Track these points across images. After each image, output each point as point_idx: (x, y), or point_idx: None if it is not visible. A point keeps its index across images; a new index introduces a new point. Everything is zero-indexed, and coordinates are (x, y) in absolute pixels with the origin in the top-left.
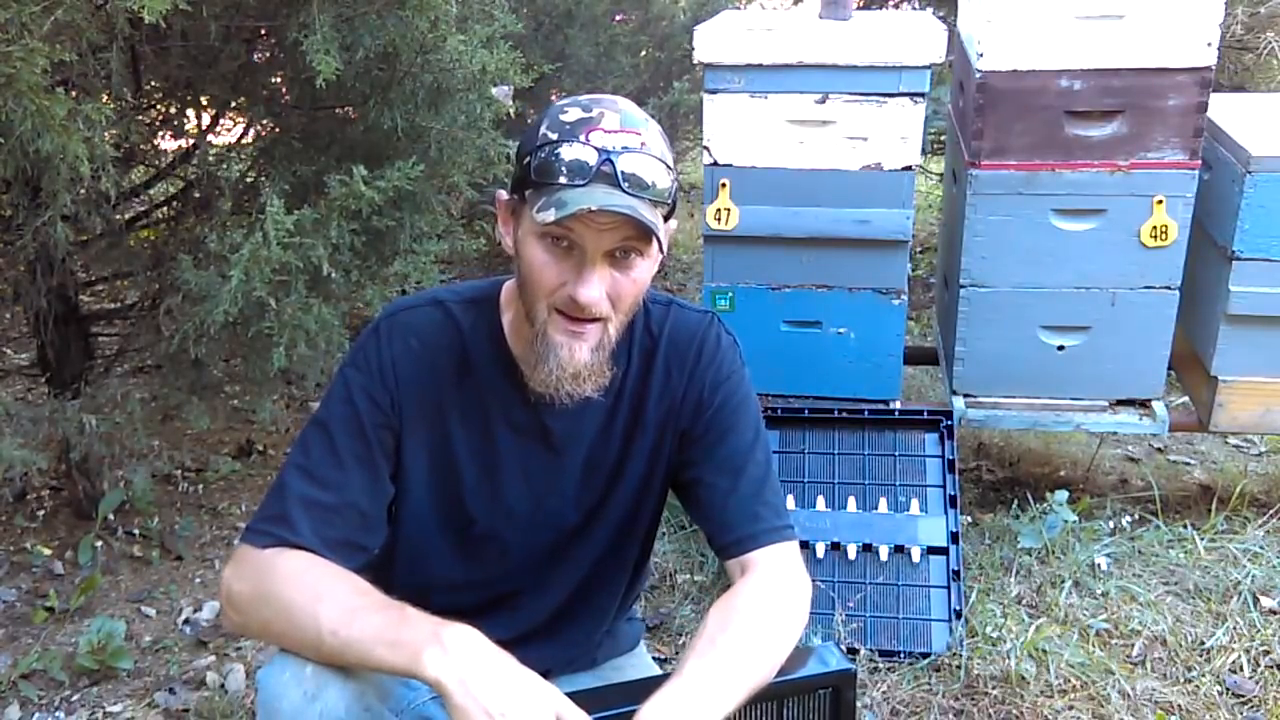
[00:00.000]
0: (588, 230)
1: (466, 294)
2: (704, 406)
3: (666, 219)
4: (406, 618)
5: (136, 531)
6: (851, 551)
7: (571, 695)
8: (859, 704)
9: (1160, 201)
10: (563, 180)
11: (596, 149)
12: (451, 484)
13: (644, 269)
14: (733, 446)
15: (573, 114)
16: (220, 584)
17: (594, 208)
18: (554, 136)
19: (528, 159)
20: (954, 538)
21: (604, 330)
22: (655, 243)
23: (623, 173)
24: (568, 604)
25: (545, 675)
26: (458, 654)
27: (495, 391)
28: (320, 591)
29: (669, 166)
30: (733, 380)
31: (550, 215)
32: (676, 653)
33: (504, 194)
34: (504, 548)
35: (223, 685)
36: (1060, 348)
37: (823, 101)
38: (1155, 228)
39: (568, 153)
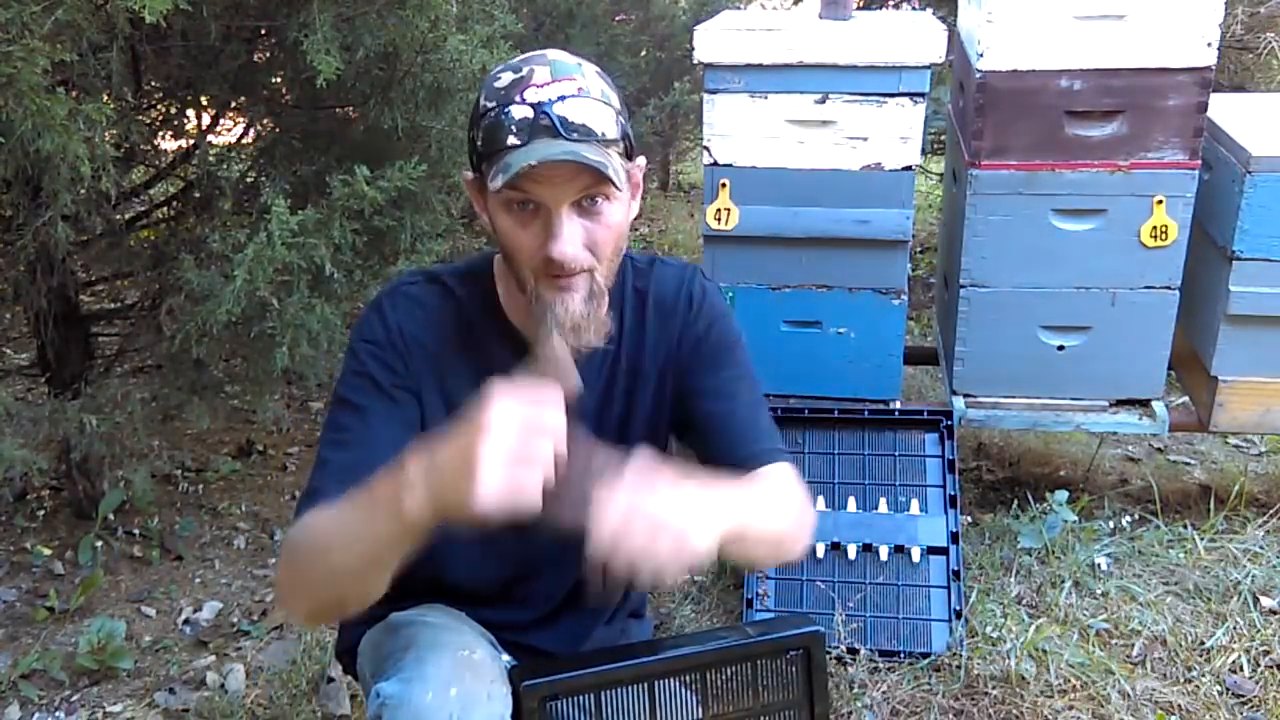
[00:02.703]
0: (542, 187)
1: (460, 269)
2: (701, 343)
3: (630, 157)
4: (372, 487)
5: (136, 531)
6: (851, 551)
7: (563, 658)
8: (859, 704)
9: (1160, 201)
10: (507, 143)
11: (532, 105)
12: None
13: (615, 212)
14: (729, 375)
15: (505, 78)
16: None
17: (534, 162)
18: (492, 105)
19: (474, 133)
20: (954, 538)
21: (592, 279)
22: (616, 185)
23: (562, 120)
24: (582, 579)
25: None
26: (421, 482)
27: (498, 361)
28: (312, 525)
29: (611, 105)
30: (725, 319)
31: (499, 181)
32: None
33: (469, 174)
34: (520, 522)
35: (223, 685)
36: (1060, 348)
37: (823, 101)
38: (1155, 228)
39: (507, 116)
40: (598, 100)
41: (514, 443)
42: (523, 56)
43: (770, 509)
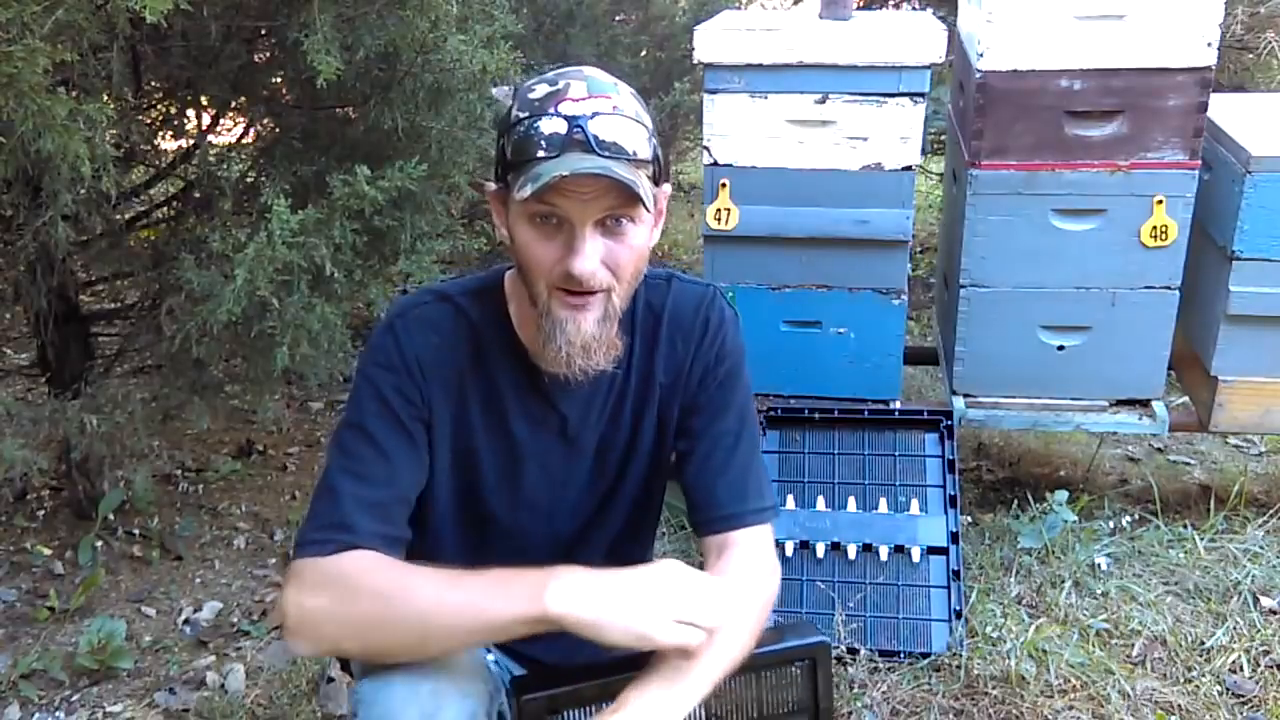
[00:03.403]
0: (569, 201)
1: (471, 286)
2: (709, 379)
3: (657, 182)
4: (514, 571)
5: (136, 531)
6: (851, 551)
7: (565, 669)
8: (859, 704)
9: (1160, 201)
10: (538, 155)
11: (566, 118)
12: (471, 478)
13: (639, 235)
14: (731, 422)
15: (540, 90)
16: (281, 608)
17: (567, 173)
18: (524, 115)
19: (504, 142)
20: (954, 538)
21: (608, 300)
22: (644, 206)
23: (595, 137)
24: None
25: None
26: (577, 585)
27: (509, 381)
28: (407, 577)
29: (645, 126)
30: (736, 354)
31: (528, 191)
32: None
33: (491, 184)
34: (524, 542)
35: (223, 685)
36: (1060, 348)
37: (822, 101)
38: (1155, 228)
39: (539, 128)
40: (631, 120)
41: (688, 599)
42: (559, 70)
43: (744, 638)
